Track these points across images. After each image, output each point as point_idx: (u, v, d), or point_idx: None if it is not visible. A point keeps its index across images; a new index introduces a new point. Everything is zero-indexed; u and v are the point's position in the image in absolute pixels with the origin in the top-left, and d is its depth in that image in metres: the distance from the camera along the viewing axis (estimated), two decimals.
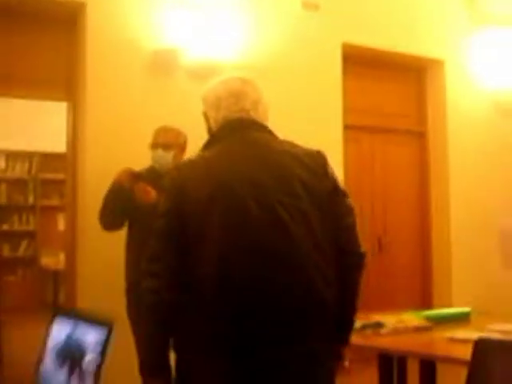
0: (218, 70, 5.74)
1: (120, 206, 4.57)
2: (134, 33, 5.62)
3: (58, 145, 6.36)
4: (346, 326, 2.60)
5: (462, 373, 2.30)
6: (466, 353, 2.36)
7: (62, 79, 5.71)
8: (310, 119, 6.40)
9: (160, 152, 4.65)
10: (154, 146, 4.68)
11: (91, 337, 1.09)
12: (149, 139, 4.76)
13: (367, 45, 6.84)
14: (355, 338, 3.39)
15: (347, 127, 6.72)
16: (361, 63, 7.06)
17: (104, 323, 1.05)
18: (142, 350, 2.77)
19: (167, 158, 4.62)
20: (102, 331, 1.07)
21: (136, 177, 4.54)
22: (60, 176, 8.96)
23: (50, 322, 1.06)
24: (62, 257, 7.60)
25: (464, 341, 2.97)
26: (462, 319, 3.86)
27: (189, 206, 2.38)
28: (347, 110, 6.73)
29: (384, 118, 7.29)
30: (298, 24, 6.46)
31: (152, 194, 4.40)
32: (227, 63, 5.78)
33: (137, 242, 4.51)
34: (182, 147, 4.74)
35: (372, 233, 7.08)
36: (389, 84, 7.36)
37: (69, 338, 1.10)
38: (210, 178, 2.41)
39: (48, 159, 11.16)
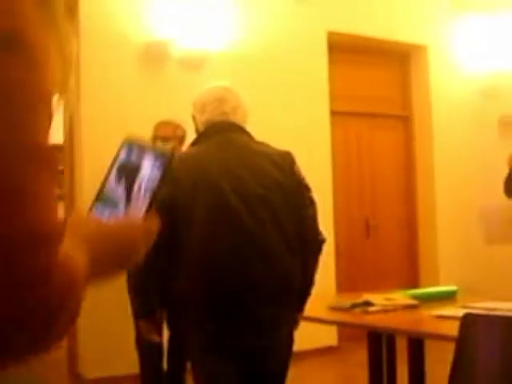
0: (207, 60, 5.79)
1: None
2: (125, 25, 5.63)
3: (56, 137, 6.39)
4: (305, 296, 2.99)
5: (449, 349, 2.35)
6: (452, 329, 2.34)
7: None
8: (297, 106, 6.43)
9: (159, 145, 4.76)
10: (154, 138, 4.82)
11: (151, 163, 1.19)
12: (143, 129, 4.78)
13: (352, 32, 6.84)
14: (345, 317, 3.49)
15: (334, 113, 6.74)
16: (346, 50, 7.06)
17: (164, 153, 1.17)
18: (135, 297, 3.27)
19: None
20: (162, 159, 1.17)
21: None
22: (59, 167, 8.97)
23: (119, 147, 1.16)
24: None
25: (450, 318, 2.95)
26: (448, 297, 3.81)
27: (179, 193, 2.70)
28: (333, 96, 6.74)
29: (370, 103, 7.29)
30: (286, 14, 6.48)
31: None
32: (217, 53, 5.81)
33: None
34: (181, 140, 4.87)
35: (360, 216, 7.12)
36: (374, 70, 7.36)
37: (129, 159, 1.19)
38: (196, 170, 2.78)
39: None
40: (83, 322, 5.59)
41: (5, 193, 0.69)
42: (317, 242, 2.96)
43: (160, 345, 4.88)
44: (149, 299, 2.92)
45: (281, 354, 2.90)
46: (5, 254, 0.68)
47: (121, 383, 5.20)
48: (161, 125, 4.94)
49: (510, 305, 3.37)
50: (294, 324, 2.98)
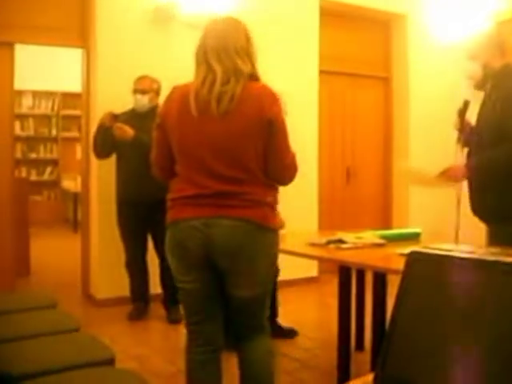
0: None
1: (104, 141, 4.94)
2: None
3: (76, 86, 6.32)
4: None
5: None
6: None
7: (77, 29, 5.64)
8: (290, 65, 6.34)
9: (138, 96, 4.97)
10: (134, 91, 4.99)
11: None
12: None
13: (342, 0, 6.69)
14: (321, 252, 3.49)
15: (322, 72, 6.63)
16: (336, 16, 6.90)
17: None
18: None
19: (144, 100, 4.97)
20: None
21: (115, 118, 4.86)
22: (78, 112, 8.89)
23: None
24: (79, 180, 7.62)
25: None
26: (412, 239, 3.81)
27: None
28: (322, 57, 6.62)
29: (354, 64, 7.17)
30: None
31: (128, 131, 4.76)
32: (218, 14, 5.65)
33: (123, 169, 5.00)
34: (157, 92, 5.02)
35: (342, 164, 7.05)
36: (359, 35, 7.20)
37: None
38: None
39: (68, 98, 11.08)
40: (95, 252, 5.61)
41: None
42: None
43: (146, 269, 5.17)
44: None
45: None
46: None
47: (126, 302, 5.21)
48: (139, 80, 5.02)
49: (468, 247, 3.36)
50: None
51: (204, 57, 2.52)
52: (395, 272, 2.86)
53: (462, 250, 3.10)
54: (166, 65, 5.54)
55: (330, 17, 6.77)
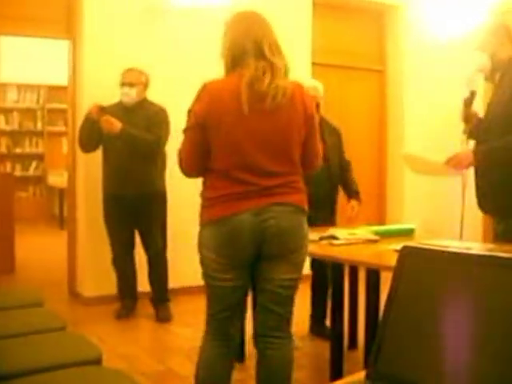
0: (201, 12, 5.63)
1: (90, 134, 4.93)
2: None
3: (62, 78, 6.30)
4: None
5: None
6: None
7: (64, 20, 5.63)
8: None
9: (126, 89, 4.95)
10: (121, 84, 4.95)
11: None
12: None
13: None
14: (313, 248, 3.37)
15: (315, 64, 6.60)
16: (329, 7, 6.87)
17: None
18: None
19: (132, 93, 4.94)
20: None
21: (102, 110, 4.82)
22: (64, 106, 8.85)
23: None
24: (66, 176, 7.61)
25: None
26: (406, 235, 3.80)
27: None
28: (315, 49, 6.60)
29: (348, 57, 7.15)
30: None
31: (115, 124, 4.75)
32: (209, 6, 5.64)
33: (110, 163, 4.99)
34: (145, 84, 5.01)
35: None
36: (353, 27, 7.19)
37: None
38: None
39: (54, 91, 11.04)
40: (81, 249, 5.60)
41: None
42: None
43: (133, 265, 5.15)
44: None
45: None
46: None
47: (114, 300, 5.23)
48: (126, 72, 4.98)
49: (463, 244, 3.42)
50: None
51: (256, 48, 2.61)
52: (388, 268, 2.87)
53: (458, 246, 3.15)
54: (155, 57, 5.53)
55: (324, 8, 6.75)
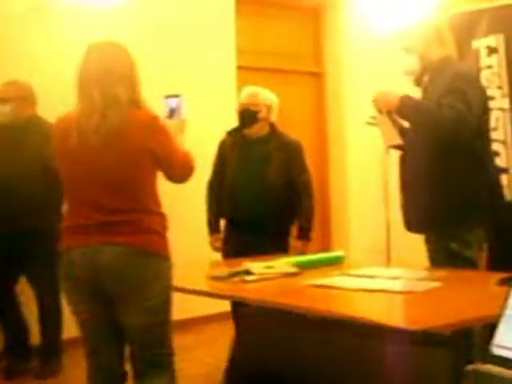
0: (105, 14, 5.27)
1: None
2: None
3: None
4: None
5: None
6: (318, 302, 2.66)
7: None
8: (202, 61, 5.95)
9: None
10: None
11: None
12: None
13: None
14: (218, 288, 3.24)
15: (241, 68, 6.22)
16: (255, 3, 6.49)
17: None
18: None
19: (4, 110, 4.50)
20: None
21: None
22: None
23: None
24: None
25: (323, 287, 2.87)
26: (334, 264, 3.54)
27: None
28: (241, 50, 6.24)
29: (278, 59, 6.76)
30: None
31: None
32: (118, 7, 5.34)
33: None
34: (23, 99, 4.54)
35: None
36: (284, 25, 6.80)
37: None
38: None
39: None
40: None
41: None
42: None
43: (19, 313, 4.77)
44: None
45: None
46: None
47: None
48: (2, 86, 4.54)
49: (392, 271, 3.23)
50: None
51: (83, 83, 2.66)
52: (298, 308, 2.69)
53: (384, 274, 3.08)
54: (37, 64, 5.05)
55: (248, 4, 6.36)
